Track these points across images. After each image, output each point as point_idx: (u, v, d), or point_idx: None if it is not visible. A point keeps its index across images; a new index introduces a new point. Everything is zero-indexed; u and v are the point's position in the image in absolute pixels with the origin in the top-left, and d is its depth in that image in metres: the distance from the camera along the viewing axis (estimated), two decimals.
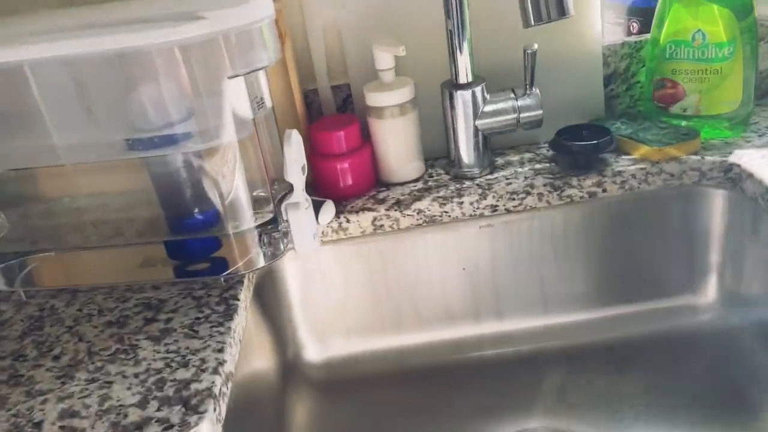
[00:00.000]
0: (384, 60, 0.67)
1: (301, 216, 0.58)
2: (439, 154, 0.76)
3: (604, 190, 0.67)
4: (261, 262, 0.59)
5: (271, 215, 0.58)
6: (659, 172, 0.67)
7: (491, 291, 0.72)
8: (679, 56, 0.69)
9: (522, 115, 0.68)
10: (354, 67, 0.73)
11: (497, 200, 0.67)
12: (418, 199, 0.68)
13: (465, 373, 0.72)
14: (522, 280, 0.72)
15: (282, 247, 0.59)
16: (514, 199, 0.67)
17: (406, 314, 0.73)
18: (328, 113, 0.76)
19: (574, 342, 0.72)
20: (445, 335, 0.74)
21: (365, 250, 0.70)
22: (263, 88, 0.56)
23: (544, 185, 0.67)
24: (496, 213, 0.68)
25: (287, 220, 0.58)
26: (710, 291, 0.71)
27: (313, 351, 0.74)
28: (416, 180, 0.72)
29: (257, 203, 0.58)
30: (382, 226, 0.68)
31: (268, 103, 0.57)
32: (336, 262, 0.71)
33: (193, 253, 0.60)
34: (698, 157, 0.66)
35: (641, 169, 0.67)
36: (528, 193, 0.67)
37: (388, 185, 0.72)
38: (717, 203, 0.67)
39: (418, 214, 0.68)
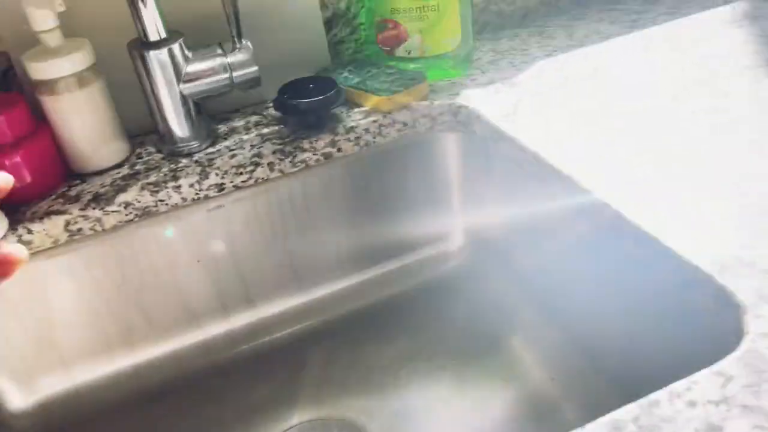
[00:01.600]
0: (41, 18, 0.51)
1: None
2: (150, 129, 0.62)
3: (339, 150, 0.61)
4: None
5: None
6: (392, 123, 0.62)
7: (236, 279, 0.63)
8: None
9: (235, 74, 0.58)
10: (9, 28, 0.56)
11: (222, 177, 0.57)
12: (122, 189, 0.55)
13: (217, 378, 0.62)
14: (268, 260, 0.63)
15: None
16: (241, 174, 0.58)
17: (136, 326, 0.61)
18: None
19: (334, 315, 0.66)
20: (189, 340, 0.63)
21: (65, 262, 0.55)
22: None
23: (274, 153, 0.58)
24: (224, 192, 0.58)
25: None
26: (457, 236, 0.70)
27: (19, 398, 0.58)
28: (120, 165, 0.59)
29: None
30: (80, 230, 0.54)
31: None
32: (26, 286, 0.55)
33: None
34: (428, 102, 0.63)
35: (374, 121, 0.61)
36: (257, 164, 0.58)
37: (83, 176, 0.58)
38: (451, 148, 0.65)
39: (125, 208, 0.55)
